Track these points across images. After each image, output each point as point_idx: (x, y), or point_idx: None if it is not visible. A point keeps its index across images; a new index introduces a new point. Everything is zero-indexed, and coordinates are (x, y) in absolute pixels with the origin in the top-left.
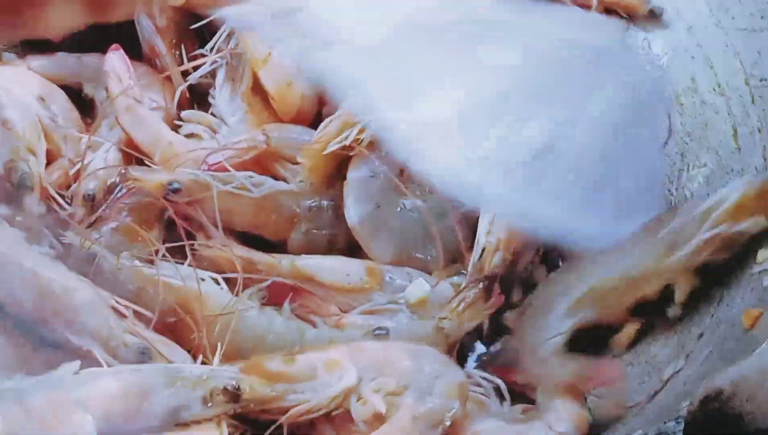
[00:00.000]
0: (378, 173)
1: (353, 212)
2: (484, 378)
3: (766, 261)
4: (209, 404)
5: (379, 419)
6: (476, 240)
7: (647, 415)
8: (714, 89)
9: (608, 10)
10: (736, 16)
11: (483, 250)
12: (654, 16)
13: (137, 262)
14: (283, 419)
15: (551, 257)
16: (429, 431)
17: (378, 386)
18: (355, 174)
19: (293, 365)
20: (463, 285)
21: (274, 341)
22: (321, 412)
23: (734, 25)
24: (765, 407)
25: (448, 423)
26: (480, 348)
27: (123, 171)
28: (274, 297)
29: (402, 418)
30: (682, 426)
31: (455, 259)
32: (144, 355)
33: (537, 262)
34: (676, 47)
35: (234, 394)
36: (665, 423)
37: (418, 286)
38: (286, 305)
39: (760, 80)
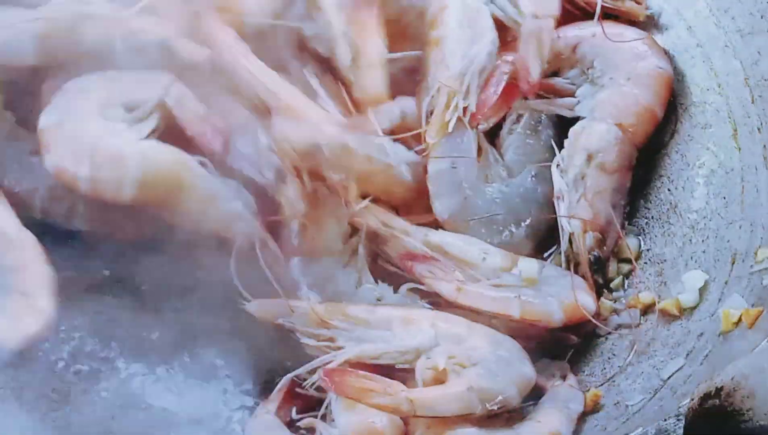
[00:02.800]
0: (458, 163)
1: (442, 207)
2: None
3: (765, 260)
4: None
5: (438, 383)
6: (560, 228)
7: (647, 413)
8: (714, 89)
9: (608, 15)
10: (736, 16)
11: (571, 236)
12: (653, 21)
13: None
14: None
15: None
16: (477, 405)
17: (450, 354)
18: (435, 167)
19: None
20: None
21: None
22: (388, 361)
23: (734, 25)
24: (765, 404)
25: (496, 406)
26: None
27: None
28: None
29: (458, 384)
30: (682, 423)
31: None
32: None
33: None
34: (676, 47)
35: None
36: (665, 420)
37: (530, 265)
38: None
39: (760, 80)
